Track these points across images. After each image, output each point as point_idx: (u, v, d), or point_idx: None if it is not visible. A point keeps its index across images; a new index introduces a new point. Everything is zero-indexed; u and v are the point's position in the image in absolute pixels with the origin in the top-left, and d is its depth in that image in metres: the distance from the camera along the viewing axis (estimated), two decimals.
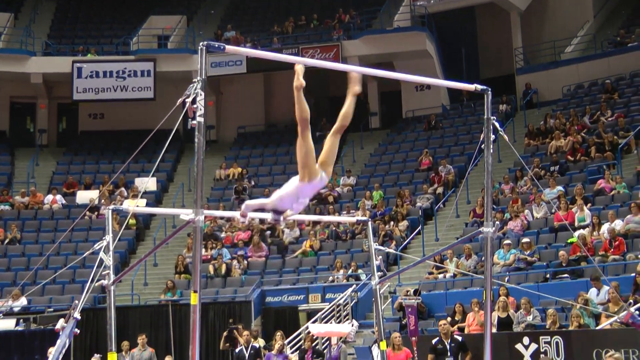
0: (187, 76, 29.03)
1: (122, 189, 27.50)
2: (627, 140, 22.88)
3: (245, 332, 17.29)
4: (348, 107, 7.30)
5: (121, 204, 24.36)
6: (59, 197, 27.56)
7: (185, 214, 6.94)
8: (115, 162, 30.06)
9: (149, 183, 27.92)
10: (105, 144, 31.93)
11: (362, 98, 30.63)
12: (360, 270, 21.45)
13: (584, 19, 32.11)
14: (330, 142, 7.29)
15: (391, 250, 14.64)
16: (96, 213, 26.39)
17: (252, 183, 27.75)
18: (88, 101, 31.42)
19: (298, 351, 18.03)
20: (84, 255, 11.36)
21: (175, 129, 7.70)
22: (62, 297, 22.52)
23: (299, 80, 7.12)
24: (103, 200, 26.42)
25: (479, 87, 8.10)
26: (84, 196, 27.64)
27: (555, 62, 30.32)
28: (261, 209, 7.86)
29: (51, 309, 21.12)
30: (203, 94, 6.60)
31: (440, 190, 24.63)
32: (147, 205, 25.95)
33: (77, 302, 9.39)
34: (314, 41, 30.91)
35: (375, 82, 30.88)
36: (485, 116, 7.91)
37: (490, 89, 8.12)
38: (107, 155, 31.16)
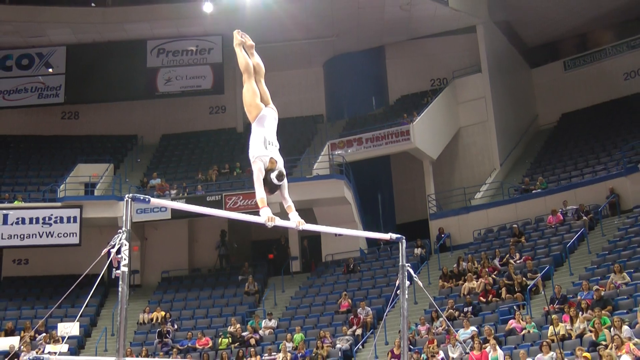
0: (113, 222, 29.59)
1: (44, 334, 27.36)
2: (534, 282, 23.72)
3: None
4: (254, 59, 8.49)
5: (42, 351, 24.26)
6: None
7: None
8: (38, 307, 29.92)
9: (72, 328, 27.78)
10: (28, 289, 31.87)
11: (283, 243, 31.63)
12: None
13: (492, 168, 33.95)
14: (262, 86, 8.37)
15: None
16: None
17: (175, 326, 27.95)
18: (13, 247, 31.42)
19: None
20: None
21: (100, 276, 7.69)
22: None
23: (238, 39, 8.39)
24: (24, 347, 26.24)
25: (394, 236, 8.67)
26: (4, 342, 27.28)
27: (466, 208, 31.67)
28: (262, 179, 8.15)
29: None
30: (128, 244, 6.68)
31: (359, 331, 25.06)
32: (69, 350, 25.71)
33: None
34: (237, 188, 31.55)
35: None
36: (400, 263, 8.44)
37: (404, 238, 8.66)
38: (29, 301, 30.95)
